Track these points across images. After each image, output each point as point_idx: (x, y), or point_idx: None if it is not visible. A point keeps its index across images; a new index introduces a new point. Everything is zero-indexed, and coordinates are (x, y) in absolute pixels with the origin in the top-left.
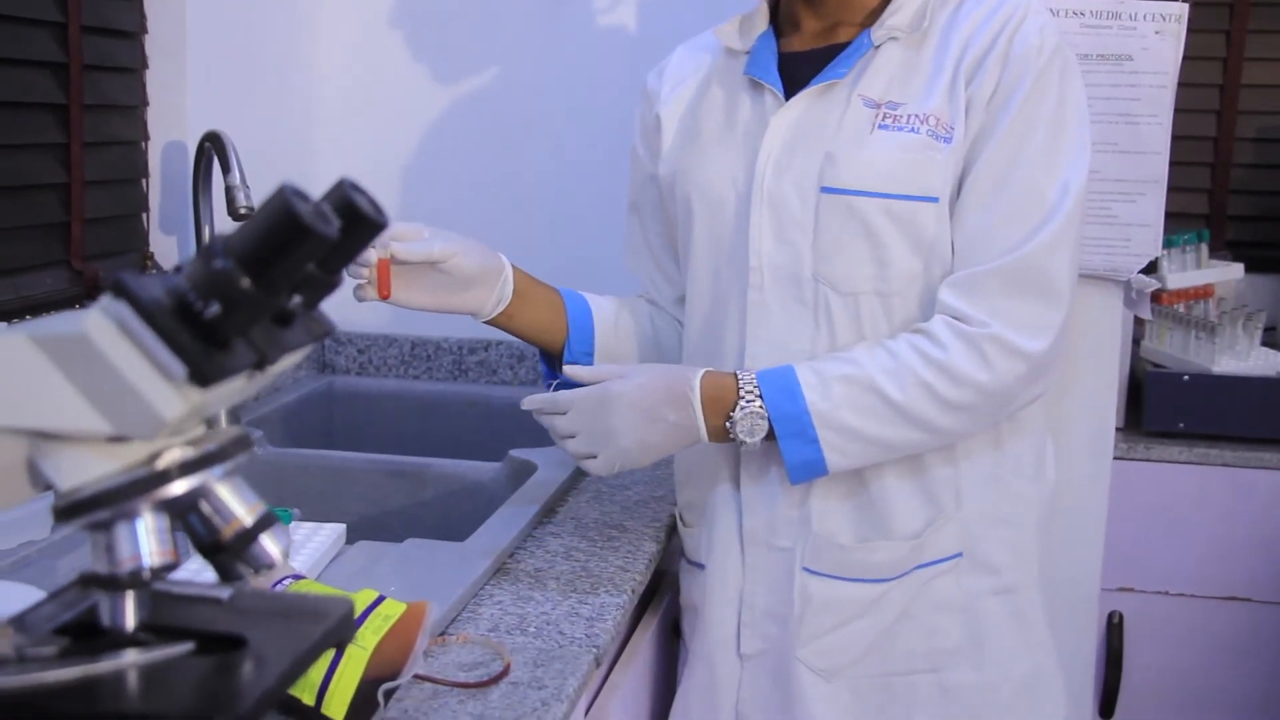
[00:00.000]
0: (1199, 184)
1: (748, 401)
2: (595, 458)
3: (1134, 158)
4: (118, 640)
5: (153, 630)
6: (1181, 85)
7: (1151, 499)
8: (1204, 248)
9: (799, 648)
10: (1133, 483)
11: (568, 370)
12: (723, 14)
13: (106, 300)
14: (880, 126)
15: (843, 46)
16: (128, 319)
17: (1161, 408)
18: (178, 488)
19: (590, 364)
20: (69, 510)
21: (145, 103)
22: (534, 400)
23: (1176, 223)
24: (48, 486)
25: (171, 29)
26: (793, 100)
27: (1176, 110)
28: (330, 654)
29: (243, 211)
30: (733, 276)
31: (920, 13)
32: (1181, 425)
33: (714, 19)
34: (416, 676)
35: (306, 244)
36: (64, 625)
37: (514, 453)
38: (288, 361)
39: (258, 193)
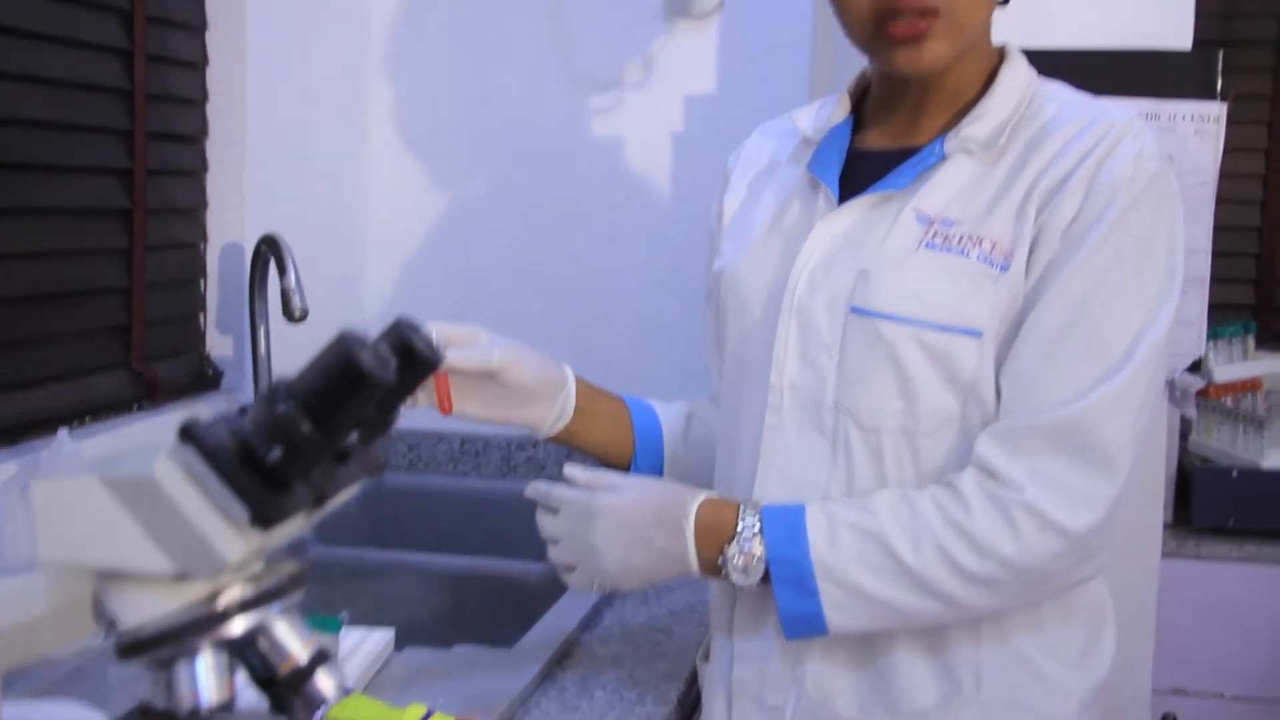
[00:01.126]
0: (1244, 275)
1: (746, 538)
2: (574, 570)
3: None
4: None
5: None
6: (1224, 176)
7: (1202, 597)
8: (1250, 339)
9: None
10: (1182, 580)
11: (566, 471)
12: (770, 111)
13: (175, 444)
14: (928, 245)
15: (916, 150)
16: (194, 464)
17: (1210, 504)
18: (237, 626)
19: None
20: (132, 647)
21: (205, 205)
22: (535, 489)
23: (1223, 314)
24: (112, 623)
25: (231, 132)
26: (844, 207)
27: (1219, 201)
28: None
29: (297, 315)
30: (753, 394)
31: (1000, 127)
32: (1231, 521)
33: (759, 117)
34: None
35: (366, 390)
36: None
37: None
38: (344, 496)
39: (313, 294)
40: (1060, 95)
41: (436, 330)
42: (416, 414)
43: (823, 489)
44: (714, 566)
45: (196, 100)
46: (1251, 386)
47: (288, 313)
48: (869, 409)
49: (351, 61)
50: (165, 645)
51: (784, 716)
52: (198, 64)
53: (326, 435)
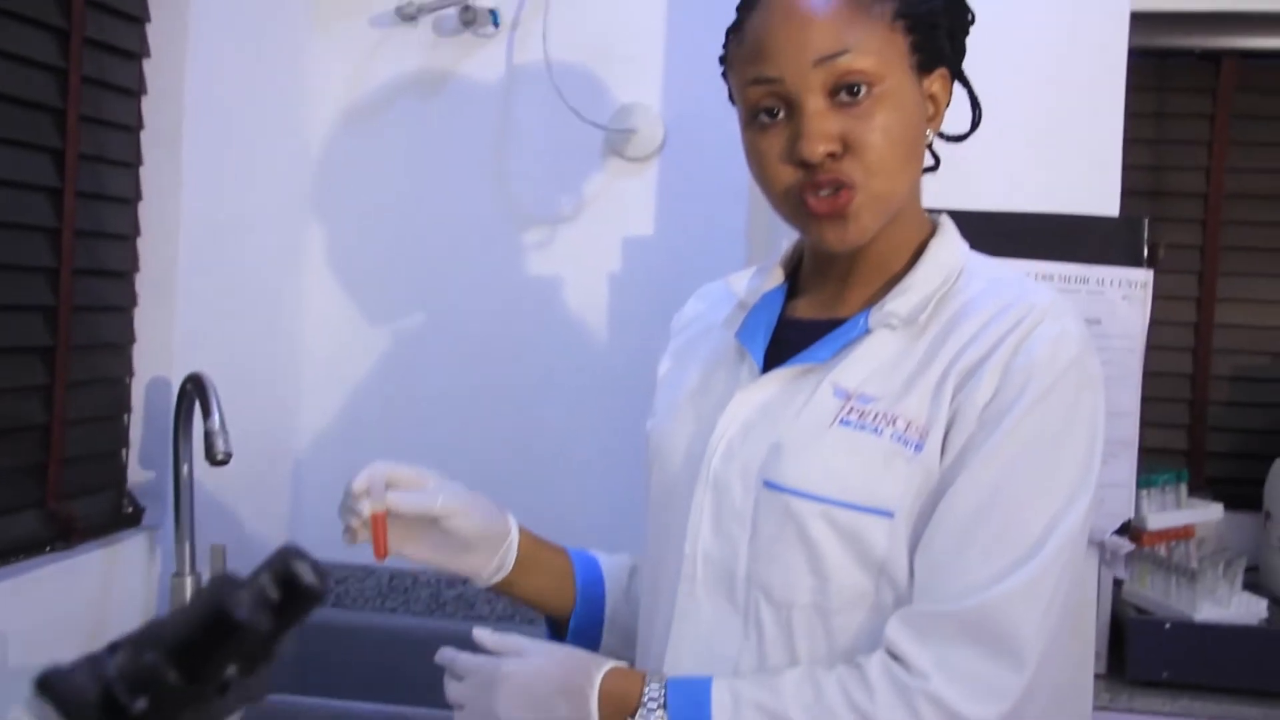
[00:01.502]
0: (1177, 420)
1: (649, 711)
2: None
3: (1106, 419)
4: None
5: None
6: (1155, 323)
7: None
8: (1183, 487)
9: None
10: None
11: (475, 635)
12: (708, 253)
13: (32, 698)
14: (842, 422)
15: (840, 322)
16: (51, 719)
17: (1144, 656)
18: None
19: (597, 640)
20: None
21: (133, 340)
22: (443, 655)
23: (1155, 458)
24: None
25: (162, 266)
26: (765, 377)
27: (1150, 348)
28: None
29: (220, 458)
30: (670, 562)
31: (924, 302)
32: (1165, 674)
33: (697, 259)
34: None
35: (238, 640)
36: None
37: None
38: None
39: (246, 429)
40: (987, 272)
41: (386, 470)
42: (345, 547)
43: (734, 663)
44: None
45: (128, 235)
46: (1184, 534)
47: (210, 455)
48: (780, 584)
49: (288, 193)
50: None
51: None
52: (130, 200)
53: (196, 683)
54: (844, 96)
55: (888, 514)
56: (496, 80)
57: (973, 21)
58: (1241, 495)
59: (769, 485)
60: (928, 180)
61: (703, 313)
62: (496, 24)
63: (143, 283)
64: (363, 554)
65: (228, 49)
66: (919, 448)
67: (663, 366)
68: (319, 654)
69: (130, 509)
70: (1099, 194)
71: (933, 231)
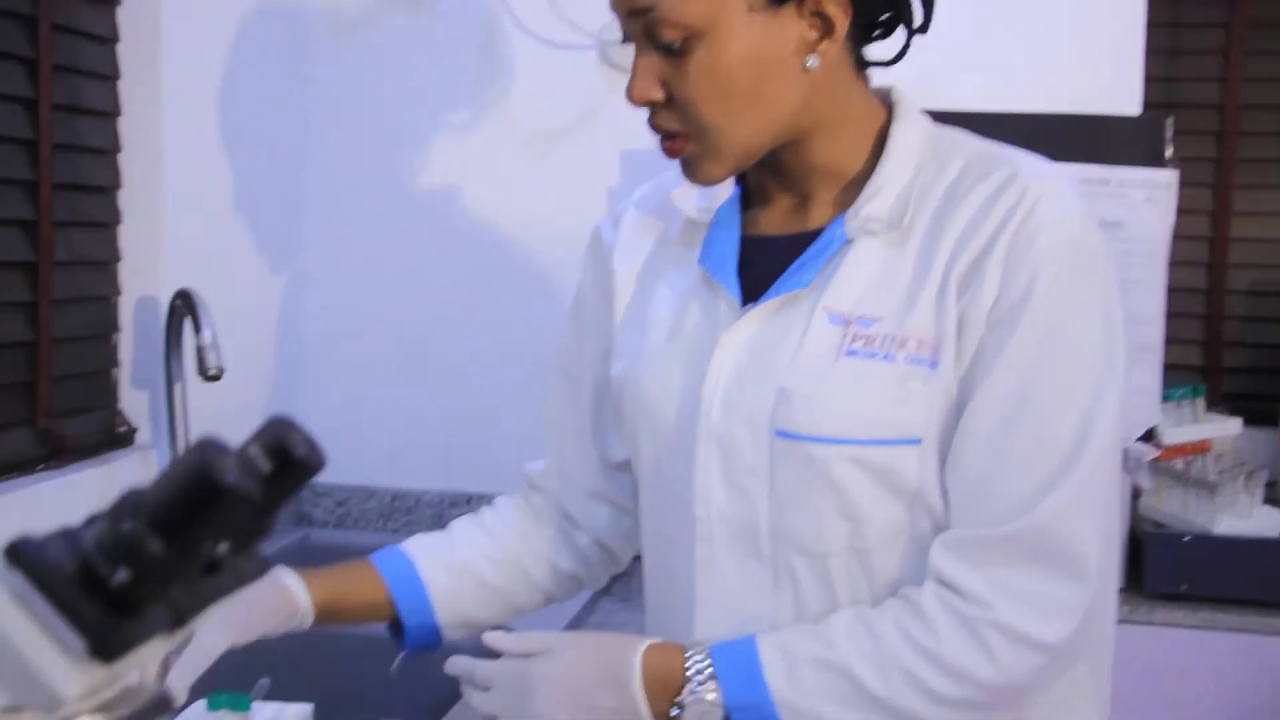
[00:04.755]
0: (1193, 336)
1: (698, 684)
2: None
3: (1129, 325)
4: None
5: None
6: (1172, 238)
7: (1156, 663)
8: (1200, 402)
9: None
10: (1135, 647)
11: (486, 639)
12: None
13: (3, 565)
14: (848, 353)
15: (815, 235)
16: (23, 590)
17: (1163, 570)
18: None
19: (436, 639)
20: None
21: (118, 257)
22: (456, 667)
23: (1172, 375)
24: None
25: (146, 183)
26: (747, 314)
27: (1168, 263)
28: None
29: (211, 373)
30: (680, 524)
31: (902, 200)
32: (1184, 588)
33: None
34: None
35: (226, 506)
36: None
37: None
38: (212, 611)
39: (241, 348)
40: (963, 150)
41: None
42: (347, 467)
43: (770, 620)
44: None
45: (108, 149)
46: (1201, 449)
47: (202, 371)
48: (811, 535)
49: (277, 108)
50: None
51: None
52: (110, 113)
53: (181, 554)
54: (663, 48)
55: (915, 441)
56: None
57: None
58: (1259, 411)
59: (783, 435)
60: (947, 81)
61: (652, 228)
62: None
63: (126, 199)
64: (364, 473)
65: None
66: (934, 365)
67: (618, 298)
68: None
69: (123, 428)
70: (1119, 93)
71: (888, 117)
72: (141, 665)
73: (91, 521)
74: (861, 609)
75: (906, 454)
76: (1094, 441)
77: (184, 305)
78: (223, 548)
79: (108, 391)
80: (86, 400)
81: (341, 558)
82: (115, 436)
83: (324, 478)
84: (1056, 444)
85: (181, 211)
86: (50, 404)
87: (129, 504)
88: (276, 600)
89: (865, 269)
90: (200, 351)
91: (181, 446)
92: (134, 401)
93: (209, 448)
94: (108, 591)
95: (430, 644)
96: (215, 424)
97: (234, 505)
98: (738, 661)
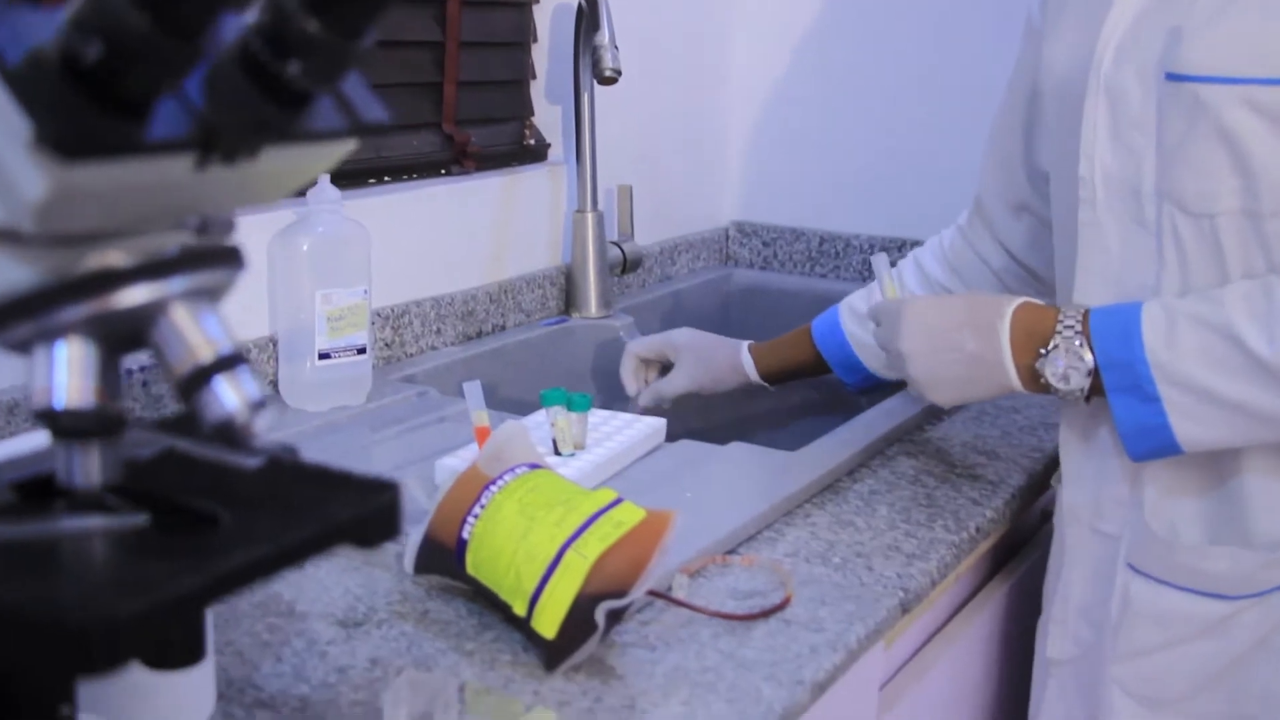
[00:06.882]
0: None
1: (1066, 338)
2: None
3: None
4: (74, 501)
5: (130, 497)
6: None
7: None
8: None
9: (1114, 664)
10: None
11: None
12: None
13: None
14: None
15: None
16: None
17: None
18: (118, 300)
19: (875, 380)
20: None
21: None
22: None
23: None
24: None
25: None
26: None
27: None
28: (548, 558)
29: (607, 74)
30: (1067, 189)
31: None
32: None
33: None
34: (655, 594)
35: None
36: (27, 480)
37: None
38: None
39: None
40: None
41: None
42: (775, 209)
43: (1153, 291)
44: (1032, 374)
45: None
46: None
47: (597, 73)
48: (1195, 191)
49: None
50: (13, 320)
51: (1120, 545)
52: None
53: (170, 29)
54: None
55: None
56: None
57: None
58: None
59: (1171, 77)
60: None
61: None
62: None
63: None
64: (791, 216)
65: None
66: None
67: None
68: (741, 315)
69: (533, 141)
70: None
71: None
72: (164, 198)
73: None
74: (1269, 277)
75: None
76: None
77: (586, 5)
78: (293, 69)
79: (520, 102)
80: (498, 109)
81: (762, 300)
82: (525, 149)
83: (750, 216)
84: None
85: None
86: (455, 109)
87: None
88: (734, 360)
89: None
90: (595, 52)
91: (588, 162)
92: (549, 115)
93: None
94: (87, 73)
95: (873, 383)
96: (628, 153)
97: None
98: (1115, 317)
